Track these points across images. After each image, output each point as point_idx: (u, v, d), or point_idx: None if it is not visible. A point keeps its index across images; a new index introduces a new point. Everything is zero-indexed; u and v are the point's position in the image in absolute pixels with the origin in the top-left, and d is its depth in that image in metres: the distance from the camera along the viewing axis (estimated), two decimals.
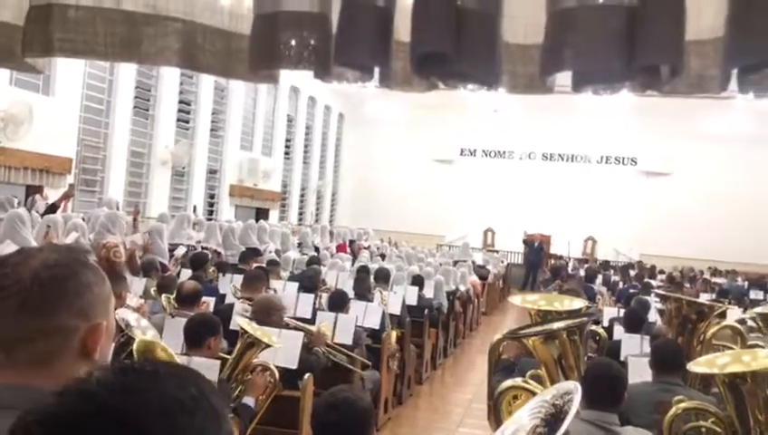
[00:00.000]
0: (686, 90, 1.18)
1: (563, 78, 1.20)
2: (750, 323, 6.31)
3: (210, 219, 14.50)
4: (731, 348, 4.01)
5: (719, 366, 2.99)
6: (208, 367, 3.32)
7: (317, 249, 13.13)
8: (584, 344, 3.22)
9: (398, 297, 7.19)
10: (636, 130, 21.16)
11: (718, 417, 2.97)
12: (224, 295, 6.11)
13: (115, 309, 1.57)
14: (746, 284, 13.76)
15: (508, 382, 3.18)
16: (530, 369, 3.42)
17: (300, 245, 13.65)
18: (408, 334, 7.19)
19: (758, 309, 6.59)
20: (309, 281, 6.82)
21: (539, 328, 3.09)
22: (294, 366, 4.23)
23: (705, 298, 8.19)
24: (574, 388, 1.40)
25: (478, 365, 9.05)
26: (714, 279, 14.76)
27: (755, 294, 11.61)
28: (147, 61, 2.01)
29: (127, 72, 12.78)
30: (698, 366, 3.10)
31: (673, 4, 1.04)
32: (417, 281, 8.79)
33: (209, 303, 5.16)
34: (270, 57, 1.65)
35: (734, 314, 7.46)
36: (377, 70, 1.57)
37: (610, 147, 22.11)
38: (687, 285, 11.64)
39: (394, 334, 6.40)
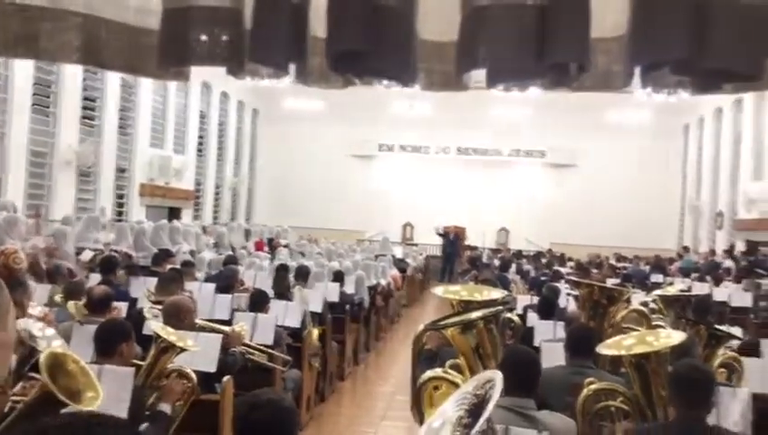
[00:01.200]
0: (592, 86, 1.23)
1: (479, 74, 1.22)
2: (652, 305, 6.70)
3: (120, 220, 13.92)
4: (637, 330, 4.24)
5: (626, 347, 3.16)
6: (121, 375, 3.19)
7: (233, 249, 12.87)
8: (501, 332, 3.32)
9: (318, 295, 7.15)
10: (544, 125, 21.97)
11: (626, 396, 3.13)
12: (136, 300, 5.88)
13: (16, 319, 1.48)
14: (648, 268, 14.56)
15: (429, 373, 3.23)
16: (451, 359, 3.49)
17: (216, 244, 13.33)
18: (330, 331, 7.17)
19: (658, 292, 7.01)
20: (226, 282, 6.68)
21: (457, 319, 3.15)
22: (213, 369, 4.13)
23: (611, 283, 8.62)
24: (494, 376, 1.44)
25: (401, 358, 9.15)
26: (619, 264, 15.56)
27: (656, 278, 12.29)
28: (45, 57, 1.89)
29: (23, 68, 12.01)
30: (607, 348, 3.27)
31: (579, 2, 1.08)
32: (338, 277, 8.78)
33: (121, 308, 4.96)
34: (180, 54, 1.60)
35: (637, 297, 7.91)
36: (292, 66, 1.55)
37: (521, 141, 22.86)
38: (595, 271, 12.18)
39: (315, 332, 6.37)
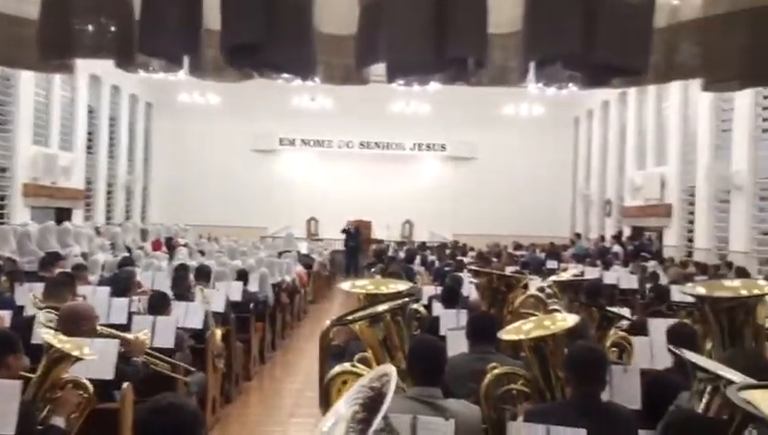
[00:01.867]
0: (490, 81, 1.26)
1: (379, 68, 1.22)
2: (548, 290, 7.02)
3: (1, 224, 12.98)
4: (535, 315, 4.42)
5: (525, 332, 3.28)
6: (7, 389, 2.97)
7: (129, 250, 12.31)
8: (407, 324, 3.36)
9: (220, 294, 6.97)
10: (444, 118, 22.46)
11: (526, 379, 3.26)
12: (22, 307, 5.50)
13: None
14: (544, 255, 15.24)
15: (337, 368, 3.23)
16: (359, 353, 3.51)
17: (111, 246, 12.71)
18: (234, 331, 7.02)
19: (553, 277, 7.37)
20: (122, 284, 6.38)
21: (364, 312, 3.16)
22: (110, 376, 3.93)
23: (509, 271, 8.95)
24: (389, 370, 1.45)
25: (307, 354, 9.10)
26: (517, 253, 16.19)
27: (551, 264, 12.86)
28: None
29: None
30: (507, 334, 3.39)
31: None
32: (242, 275, 8.60)
33: (4, 317, 4.63)
34: (63, 45, 1.49)
35: (534, 283, 8.26)
36: (186, 59, 1.48)
37: (422, 134, 23.25)
38: (495, 260, 12.60)
39: (219, 333, 6.21)
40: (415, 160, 23.71)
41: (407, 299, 3.33)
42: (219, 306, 6.67)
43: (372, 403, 1.30)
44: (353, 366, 3.26)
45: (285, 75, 1.41)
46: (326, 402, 3.24)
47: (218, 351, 6.09)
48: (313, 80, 1.36)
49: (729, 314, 3.42)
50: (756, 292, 3.46)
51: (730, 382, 2.07)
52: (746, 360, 2.80)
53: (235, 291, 7.75)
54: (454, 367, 3.58)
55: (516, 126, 22.14)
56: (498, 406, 3.30)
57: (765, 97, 12.20)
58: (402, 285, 4.00)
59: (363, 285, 3.85)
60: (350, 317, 3.25)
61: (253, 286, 8.60)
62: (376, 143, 23.57)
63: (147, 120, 23.14)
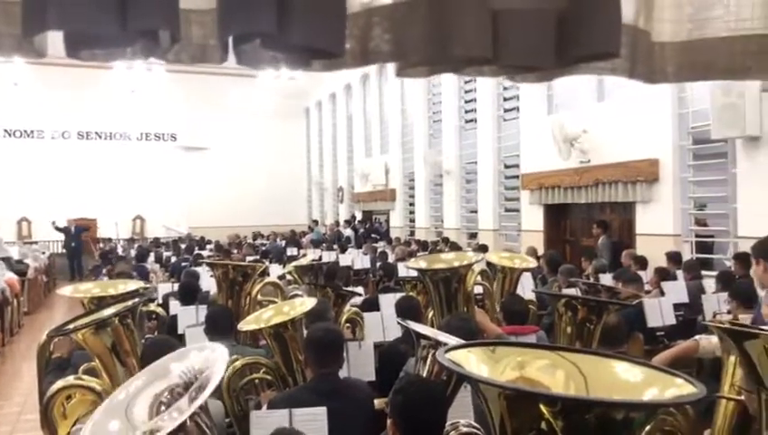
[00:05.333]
0: (190, 60, 1.20)
1: (57, 40, 1.08)
2: (289, 276, 7.16)
3: None
4: (275, 302, 4.47)
5: (264, 320, 3.30)
6: None
7: None
8: (139, 326, 3.15)
9: None
10: (173, 108, 21.45)
11: (268, 366, 3.28)
12: None
13: None
14: (284, 242, 15.49)
15: (58, 383, 2.92)
16: (86, 363, 3.21)
17: None
18: None
19: (294, 263, 7.55)
20: None
21: (87, 319, 2.89)
22: None
23: (250, 260, 8.93)
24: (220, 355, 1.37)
25: (25, 373, 8.05)
26: (257, 242, 16.20)
27: (292, 251, 13.16)
28: None
29: None
30: (247, 324, 3.37)
31: None
32: None
33: None
34: None
35: (276, 270, 8.36)
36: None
37: (149, 123, 21.92)
38: (235, 252, 12.47)
39: None
40: (143, 151, 22.17)
41: (137, 300, 3.11)
42: None
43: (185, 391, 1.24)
44: (78, 379, 2.96)
45: None
46: (47, 423, 2.91)
47: None
48: None
49: (445, 283, 3.85)
50: (465, 262, 3.95)
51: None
52: (459, 323, 3.16)
53: None
54: None
55: (249, 115, 22.07)
56: (242, 397, 3.27)
57: (467, 92, 13.88)
58: (132, 285, 3.75)
59: (87, 288, 3.52)
60: (71, 326, 2.94)
61: None
62: (97, 133, 21.61)
63: None
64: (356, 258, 11.40)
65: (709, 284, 6.55)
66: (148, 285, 6.42)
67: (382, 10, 1.18)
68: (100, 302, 3.46)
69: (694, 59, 1.34)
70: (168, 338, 3.22)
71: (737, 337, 1.82)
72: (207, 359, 1.36)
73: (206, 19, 1.11)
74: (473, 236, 13.70)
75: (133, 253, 13.45)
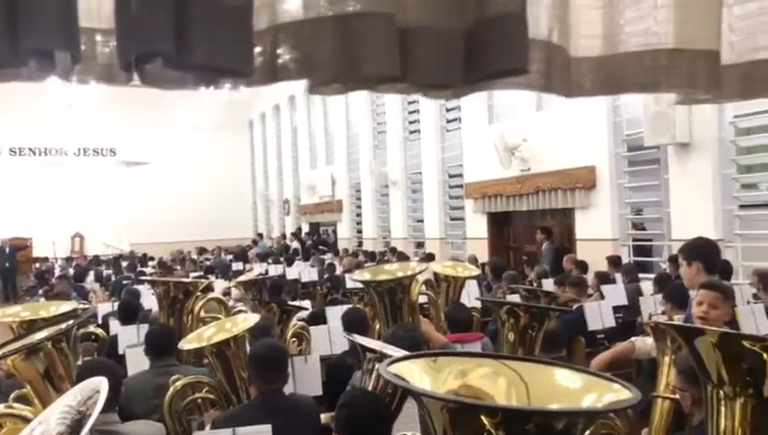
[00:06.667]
0: (96, 79, 1.17)
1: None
2: (235, 291, 7.04)
3: None
4: (218, 318, 4.38)
5: (207, 338, 3.23)
6: None
7: None
8: (74, 349, 3.04)
9: None
10: (112, 121, 20.87)
11: (211, 385, 3.21)
12: None
13: None
14: (230, 257, 15.23)
15: None
16: (16, 390, 3.06)
17: None
18: None
19: (240, 278, 7.41)
20: None
21: (16, 344, 2.76)
22: None
23: (193, 276, 8.72)
24: (100, 386, 1.33)
25: None
26: (201, 257, 15.88)
27: (238, 266, 12.94)
28: None
29: None
30: (188, 343, 3.29)
31: None
32: None
33: None
34: None
35: (221, 285, 8.20)
36: None
37: (87, 138, 21.27)
38: (178, 268, 12.17)
39: None
40: (81, 167, 21.47)
41: (71, 322, 3.00)
42: None
43: (77, 425, 1.20)
44: (8, 407, 2.83)
45: None
46: None
47: None
48: None
49: (390, 294, 3.85)
50: (409, 272, 3.97)
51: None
52: (404, 333, 3.17)
53: None
54: (133, 387, 3.35)
55: (191, 129, 21.67)
56: (184, 418, 3.19)
57: (410, 102, 14.00)
58: (66, 307, 3.61)
59: (16, 311, 3.37)
60: None
61: None
62: (30, 149, 20.83)
63: None
64: (303, 271, 11.31)
65: (647, 286, 6.77)
66: (86, 306, 6.21)
67: (288, 27, 1.18)
68: (31, 325, 3.32)
69: (608, 73, 1.38)
70: (105, 360, 3.11)
71: (687, 335, 1.90)
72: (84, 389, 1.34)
73: (111, 39, 1.08)
74: (420, 245, 13.79)
75: (72, 272, 12.99)
